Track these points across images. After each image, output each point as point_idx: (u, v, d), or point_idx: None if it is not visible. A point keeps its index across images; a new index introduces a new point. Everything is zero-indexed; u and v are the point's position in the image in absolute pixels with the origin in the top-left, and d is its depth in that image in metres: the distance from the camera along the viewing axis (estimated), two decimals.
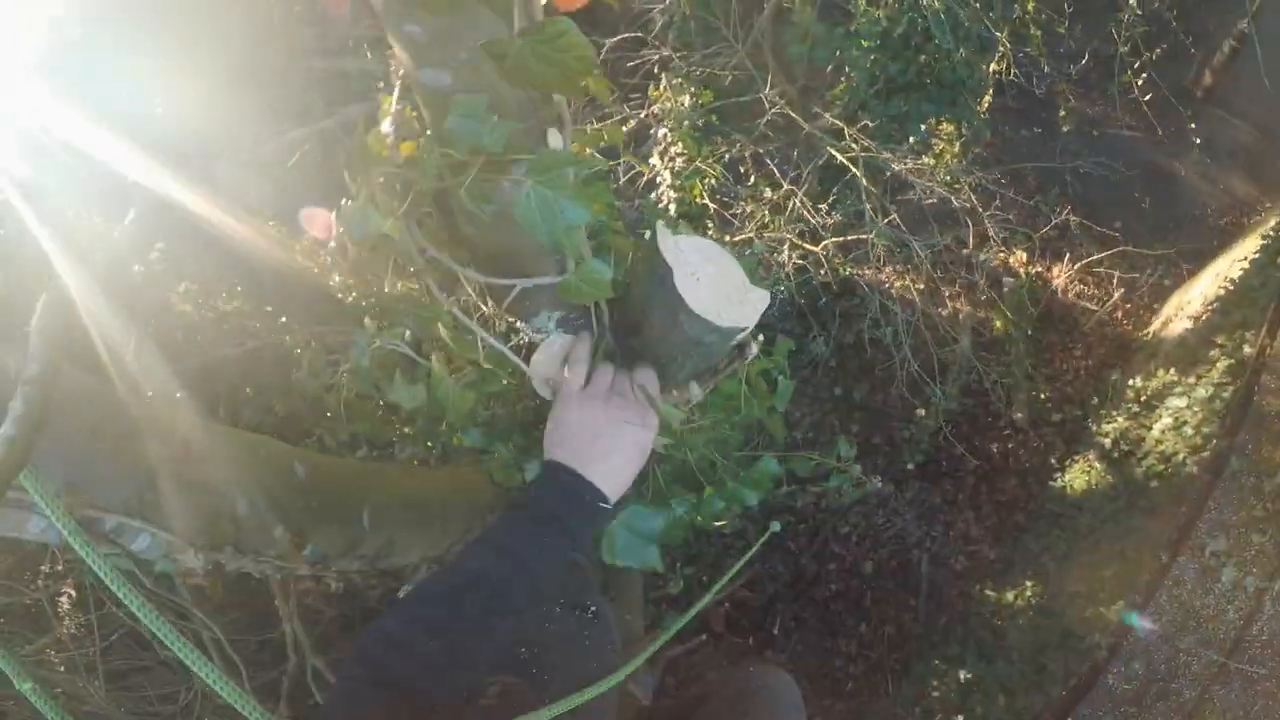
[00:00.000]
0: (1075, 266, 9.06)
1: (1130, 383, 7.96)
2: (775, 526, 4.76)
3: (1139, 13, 7.19)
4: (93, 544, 1.38)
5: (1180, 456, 6.73)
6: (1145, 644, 5.68)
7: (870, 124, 6.94)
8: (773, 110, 6.71)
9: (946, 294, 8.53)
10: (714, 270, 1.90)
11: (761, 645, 7.45)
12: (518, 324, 2.28)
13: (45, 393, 1.40)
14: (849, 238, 6.68)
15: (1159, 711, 5.54)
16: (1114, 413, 7.78)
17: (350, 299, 5.82)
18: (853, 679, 7.38)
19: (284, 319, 5.77)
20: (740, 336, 1.96)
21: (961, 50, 6.86)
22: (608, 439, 1.76)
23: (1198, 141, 9.92)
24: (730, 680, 3.44)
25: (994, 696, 6.23)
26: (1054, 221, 8.66)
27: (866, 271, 7.95)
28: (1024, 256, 9.05)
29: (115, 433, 1.89)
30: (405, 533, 3.02)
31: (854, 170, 6.43)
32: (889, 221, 6.55)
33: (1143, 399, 7.64)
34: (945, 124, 7.79)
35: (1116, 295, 9.00)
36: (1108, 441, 7.56)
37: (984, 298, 8.63)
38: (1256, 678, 5.61)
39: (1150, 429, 7.23)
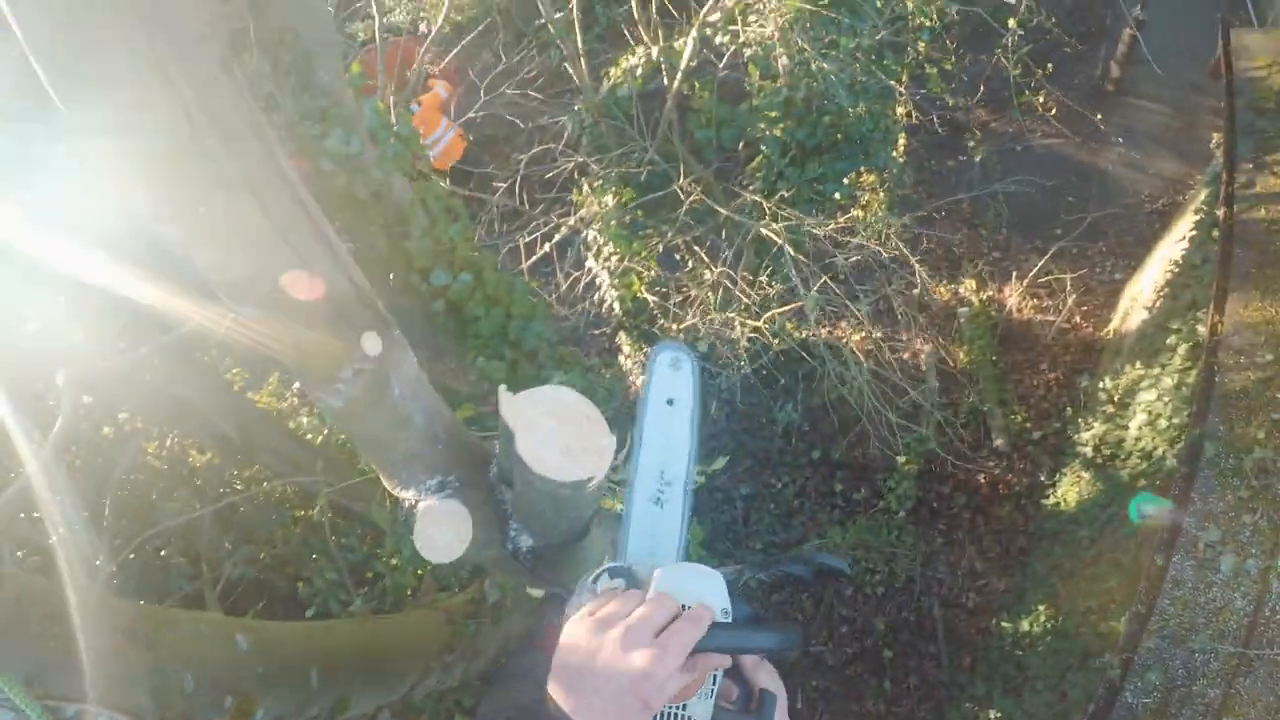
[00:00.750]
0: (1024, 283, 9.14)
1: (1101, 385, 7.97)
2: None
3: (1020, 33, 7.36)
4: None
5: (1160, 451, 6.72)
6: (1157, 652, 5.61)
7: (787, 193, 7.04)
8: (690, 199, 6.82)
9: (904, 338, 8.61)
10: (554, 424, 1.94)
11: None
12: (396, 491, 2.34)
13: None
14: (787, 308, 6.75)
15: (1186, 718, 5.45)
16: (1090, 419, 7.78)
17: (319, 440, 5.91)
18: None
19: (255, 467, 5.84)
20: (595, 483, 1.99)
21: (861, 104, 7.00)
22: (595, 686, 1.25)
23: (1117, 140, 10.09)
24: None
25: None
26: (994, 243, 8.79)
27: (821, 332, 8.02)
28: (973, 284, 9.15)
29: (64, 629, 2.03)
30: (358, 686, 3.10)
31: (779, 242, 6.52)
32: (823, 284, 6.63)
33: (1115, 399, 7.64)
34: (866, 174, 7.92)
35: (1071, 301, 9.07)
36: (1089, 449, 7.55)
37: (941, 334, 8.71)
38: None
39: (1127, 429, 7.23)
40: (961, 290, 9.10)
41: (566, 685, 1.26)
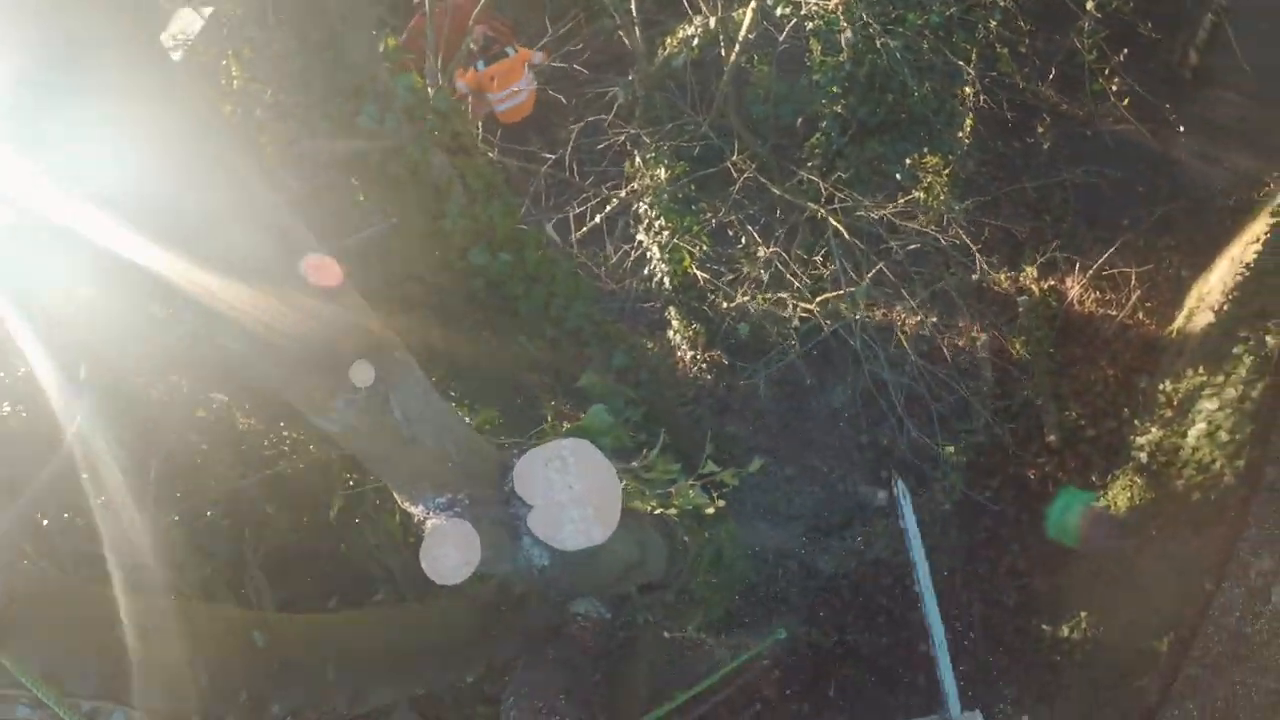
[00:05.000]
0: (1087, 274, 8.85)
1: (1160, 387, 7.72)
2: (780, 633, 4.67)
3: (1098, 16, 7.08)
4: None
5: (1218, 465, 6.48)
6: (1197, 681, 5.44)
7: (845, 173, 6.85)
8: (744, 176, 6.66)
9: (961, 325, 8.39)
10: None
11: (819, 708, 7.28)
12: (405, 505, 2.30)
13: None
14: (839, 293, 6.58)
15: None
16: (1147, 422, 7.53)
17: None
18: None
19: (298, 435, 5.82)
20: None
21: (927, 83, 6.78)
22: None
23: (1181, 128, 9.71)
24: None
25: None
26: (1058, 232, 8.52)
27: (876, 315, 7.84)
28: (1034, 273, 8.87)
29: (84, 625, 2.09)
30: (376, 679, 3.09)
31: (835, 224, 6.35)
32: (877, 270, 6.45)
33: (1175, 403, 7.39)
34: (929, 157, 7.69)
35: (1135, 296, 8.78)
36: (1144, 454, 7.31)
37: (998, 323, 8.48)
38: None
39: (1185, 436, 6.98)
40: (1022, 279, 8.82)
41: None
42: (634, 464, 3.57)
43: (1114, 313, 8.80)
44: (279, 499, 5.79)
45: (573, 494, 2.26)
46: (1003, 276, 8.80)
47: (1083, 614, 6.75)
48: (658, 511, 3.76)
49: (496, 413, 4.59)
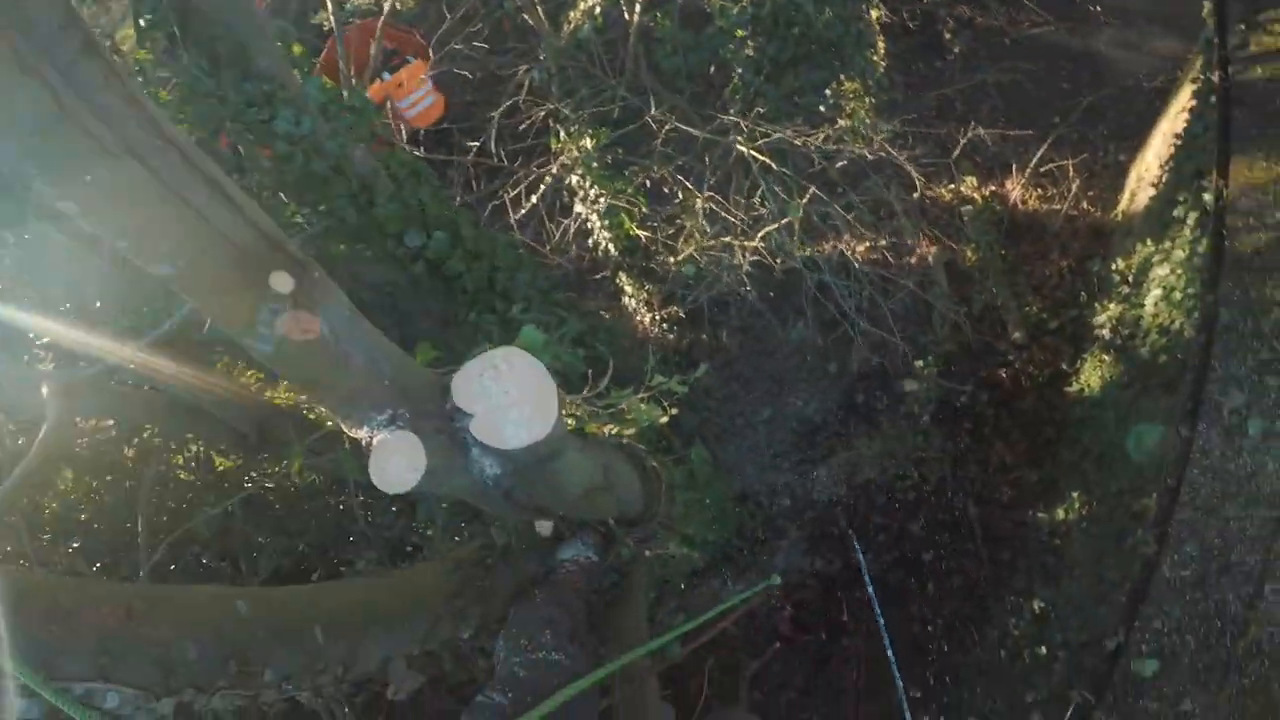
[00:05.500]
0: (1025, 173, 8.96)
1: (1113, 267, 7.83)
2: (776, 580, 4.77)
3: None
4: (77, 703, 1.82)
5: (1178, 324, 6.58)
6: (1191, 525, 5.52)
7: (762, 110, 6.93)
8: (666, 129, 6.73)
9: (910, 243, 8.48)
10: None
11: (834, 634, 7.36)
12: (352, 432, 2.36)
13: None
14: (778, 224, 6.66)
15: (1226, 586, 5.37)
16: (1106, 302, 7.64)
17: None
18: (936, 640, 7.26)
19: (283, 462, 5.88)
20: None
21: (828, 10, 6.86)
22: None
23: (1103, 19, 9.83)
24: None
25: (1068, 619, 6.09)
26: (992, 137, 8.61)
27: (825, 246, 7.92)
28: (974, 181, 8.97)
29: (65, 613, 2.14)
30: (366, 638, 3.14)
31: (762, 158, 6.43)
32: (811, 194, 6.53)
33: (1129, 279, 7.50)
34: (847, 83, 7.76)
35: (1075, 186, 8.90)
36: (1107, 331, 7.42)
37: (947, 234, 8.57)
38: None
39: (1144, 306, 7.09)
40: (963, 189, 8.92)
41: None
42: (583, 394, 3.66)
43: (1058, 206, 8.91)
44: (269, 528, 5.86)
45: (510, 397, 2.34)
46: (943, 189, 8.90)
47: (1074, 495, 6.83)
48: (616, 434, 3.84)
49: (435, 350, 4.66)
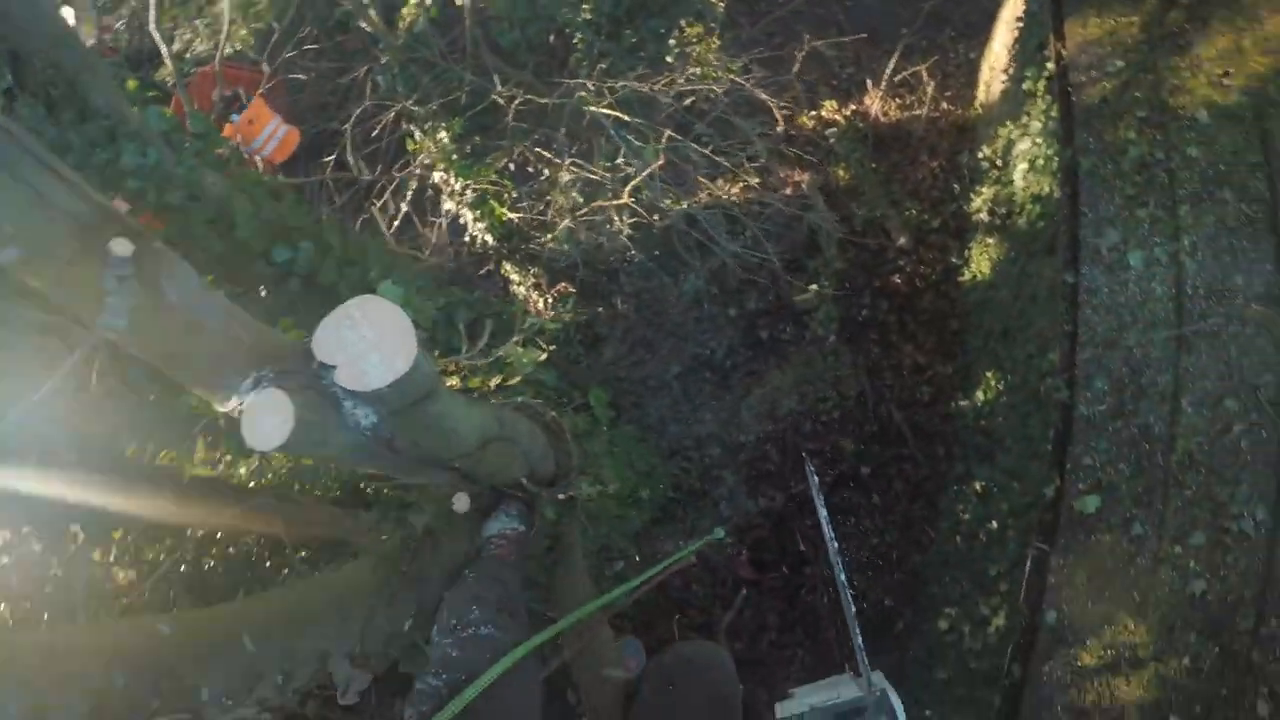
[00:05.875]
0: (880, 86, 9.10)
1: (980, 155, 8.00)
2: (719, 533, 4.78)
3: None
4: None
5: (1047, 188, 6.72)
6: (1096, 360, 5.63)
7: (605, 67, 6.95)
8: (515, 103, 6.72)
9: (783, 175, 8.55)
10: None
11: (796, 564, 7.38)
12: (222, 406, 2.35)
13: None
14: (641, 175, 6.67)
15: (1145, 410, 5.48)
16: (979, 188, 7.80)
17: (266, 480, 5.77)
18: (894, 547, 7.32)
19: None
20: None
21: None
22: None
23: None
24: (657, 661, 3.62)
25: (1008, 490, 6.16)
26: (842, 59, 8.72)
27: (701, 196, 7.95)
28: (834, 104, 9.10)
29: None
30: (301, 639, 3.08)
31: (611, 113, 6.44)
32: (667, 138, 6.55)
33: (998, 163, 7.66)
34: (689, 27, 7.81)
35: (931, 89, 9.05)
36: (985, 214, 7.57)
37: (818, 160, 8.66)
38: (1218, 328, 5.56)
39: (1013, 182, 7.24)
40: (824, 114, 9.04)
41: None
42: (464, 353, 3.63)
43: (919, 111, 9.06)
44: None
45: (368, 341, 2.35)
46: (805, 118, 9.00)
47: (989, 375, 6.93)
48: (502, 383, 3.83)
49: (298, 332, 4.59)
